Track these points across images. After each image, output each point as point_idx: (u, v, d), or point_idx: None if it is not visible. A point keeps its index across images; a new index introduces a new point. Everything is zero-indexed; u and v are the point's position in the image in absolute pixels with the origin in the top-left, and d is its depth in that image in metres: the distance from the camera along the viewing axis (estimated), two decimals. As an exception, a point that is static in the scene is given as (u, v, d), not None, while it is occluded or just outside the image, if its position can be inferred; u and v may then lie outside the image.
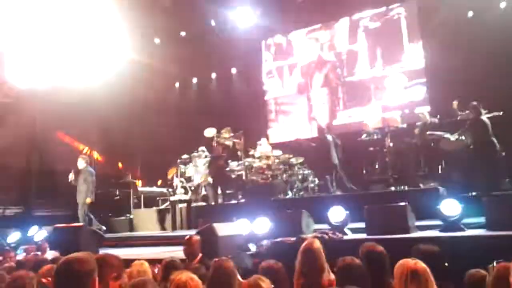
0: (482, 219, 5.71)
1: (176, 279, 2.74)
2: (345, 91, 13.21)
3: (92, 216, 9.61)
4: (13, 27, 11.13)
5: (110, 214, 11.62)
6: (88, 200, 9.44)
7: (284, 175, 10.37)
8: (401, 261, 2.87)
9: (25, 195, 11.27)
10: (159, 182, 13.01)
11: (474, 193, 7.34)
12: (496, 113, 8.40)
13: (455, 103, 8.85)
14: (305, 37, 14.09)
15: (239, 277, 3.70)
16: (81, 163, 9.67)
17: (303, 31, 14.10)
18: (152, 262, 4.71)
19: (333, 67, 13.48)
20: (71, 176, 9.59)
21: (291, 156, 10.65)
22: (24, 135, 11.62)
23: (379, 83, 12.54)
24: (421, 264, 2.81)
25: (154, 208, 11.41)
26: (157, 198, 12.01)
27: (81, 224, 8.50)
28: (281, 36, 14.37)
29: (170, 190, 11.88)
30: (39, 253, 6.84)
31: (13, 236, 8.86)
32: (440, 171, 8.97)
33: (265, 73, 14.64)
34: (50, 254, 6.61)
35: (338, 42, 13.47)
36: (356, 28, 13.20)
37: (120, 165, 13.62)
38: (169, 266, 3.97)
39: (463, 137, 8.42)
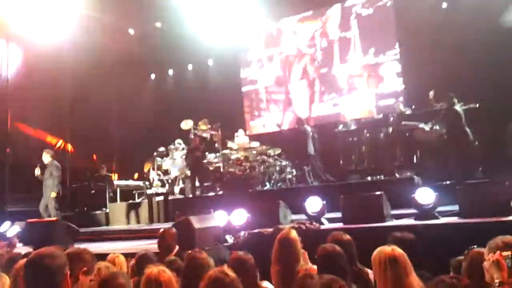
0: (455, 207, 5.80)
1: (147, 272, 2.71)
2: (324, 81, 13.22)
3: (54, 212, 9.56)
4: None
5: (85, 208, 11.44)
6: (53, 194, 9.49)
7: (262, 167, 10.37)
8: (378, 249, 2.90)
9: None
10: (136, 175, 12.86)
11: (448, 182, 7.46)
12: (472, 105, 8.55)
13: (431, 94, 8.98)
14: (296, 25, 13.78)
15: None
16: (46, 158, 9.67)
17: (295, 18, 13.80)
18: (128, 255, 4.64)
19: (312, 58, 13.47)
20: (37, 171, 9.61)
21: (268, 147, 10.65)
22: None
23: (373, 71, 12.52)
24: (399, 250, 2.84)
25: (130, 201, 11.29)
26: (134, 192, 11.88)
27: (55, 218, 8.33)
28: (272, 23, 13.98)
29: (147, 183, 11.77)
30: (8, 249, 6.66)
31: (-15, 232, 8.62)
32: (415, 161, 9.10)
33: (256, 61, 14.36)
34: (23, 250, 6.47)
35: (330, 29, 13.28)
36: (348, 15, 13.11)
37: (94, 158, 13.36)
38: (142, 260, 3.92)
39: (437, 127, 8.56)
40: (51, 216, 9.34)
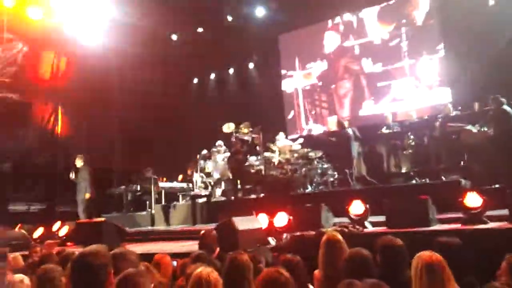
0: (505, 212, 5.60)
1: (196, 272, 2.77)
2: (371, 81, 13.07)
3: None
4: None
5: (131, 209, 11.79)
6: (87, 195, 10.29)
7: (303, 170, 10.34)
8: (418, 254, 2.87)
9: (49, 192, 11.50)
10: (180, 178, 13.12)
11: (496, 186, 7.20)
12: None
13: (476, 106, 8.73)
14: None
15: (262, 265, 3.73)
16: (79, 162, 10.45)
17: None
18: (173, 256, 4.76)
19: (357, 58, 13.34)
20: (72, 175, 10.36)
21: (309, 150, 10.61)
22: (47, 132, 11.86)
23: (419, 72, 12.28)
24: (437, 256, 2.79)
25: (175, 203, 11.52)
26: (178, 193, 12.11)
27: (103, 219, 8.63)
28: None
29: (190, 185, 11.98)
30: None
31: (38, 232, 9.05)
32: (462, 164, 8.83)
33: (298, 64, 14.21)
34: (75, 250, 6.75)
35: (375, 29, 13.11)
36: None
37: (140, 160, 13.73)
38: (196, 260, 4.00)
39: (485, 128, 8.28)
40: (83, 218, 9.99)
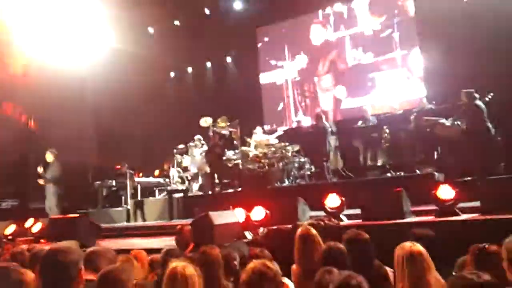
0: (477, 203, 5.72)
1: (171, 267, 2.74)
2: (349, 75, 13.14)
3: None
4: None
5: (107, 205, 11.63)
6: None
7: (281, 163, 10.37)
8: (399, 245, 2.93)
9: (21, 188, 11.25)
10: (156, 173, 13.00)
11: (469, 178, 7.35)
12: (488, 97, 8.39)
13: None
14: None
15: (236, 263, 3.72)
16: (49, 157, 10.05)
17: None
18: (150, 252, 4.72)
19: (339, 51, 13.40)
20: (40, 169, 9.95)
21: (286, 144, 10.64)
22: (19, 127, 11.58)
23: (394, 66, 12.42)
24: (418, 247, 2.86)
25: (151, 198, 11.42)
26: (154, 188, 12.02)
27: (77, 215, 8.49)
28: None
29: (167, 180, 11.90)
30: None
31: (10, 229, 8.84)
32: (435, 157, 8.98)
33: (277, 57, 13.98)
34: (47, 246, 6.61)
35: (357, 20, 13.15)
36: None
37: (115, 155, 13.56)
38: (168, 255, 3.98)
39: (458, 122, 8.43)
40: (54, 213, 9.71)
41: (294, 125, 13.90)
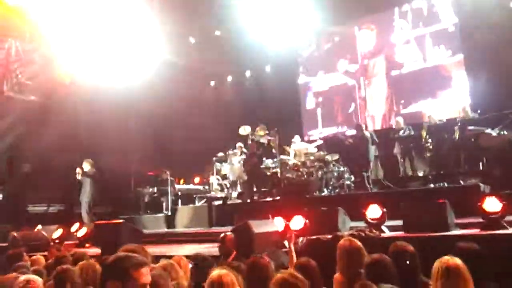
0: (525, 217, 5.51)
1: (213, 275, 2.80)
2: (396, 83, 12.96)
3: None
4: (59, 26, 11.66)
5: (148, 211, 11.89)
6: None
7: (319, 172, 10.31)
8: (438, 259, 2.87)
9: (68, 193, 11.67)
10: (197, 180, 13.19)
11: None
12: None
13: None
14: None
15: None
16: (86, 166, 10.68)
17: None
18: (189, 258, 4.78)
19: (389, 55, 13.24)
20: (78, 176, 10.60)
21: (326, 153, 10.57)
22: (67, 134, 12.03)
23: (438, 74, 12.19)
24: (455, 261, 2.81)
25: (191, 205, 11.59)
26: (194, 196, 12.19)
27: (121, 220, 8.72)
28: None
29: (207, 187, 12.05)
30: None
31: (57, 233, 9.17)
32: (481, 168, 8.71)
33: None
34: (92, 250, 6.84)
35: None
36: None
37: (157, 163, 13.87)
38: (200, 263, 4.04)
39: (505, 132, 8.15)
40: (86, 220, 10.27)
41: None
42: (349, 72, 14.08)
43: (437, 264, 2.85)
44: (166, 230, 10.63)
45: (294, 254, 4.57)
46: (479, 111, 9.47)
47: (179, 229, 10.50)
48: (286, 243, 6.23)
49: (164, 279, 2.66)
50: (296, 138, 11.51)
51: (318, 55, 14.71)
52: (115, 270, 2.12)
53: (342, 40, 14.20)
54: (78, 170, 10.61)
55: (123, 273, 2.09)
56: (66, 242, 8.80)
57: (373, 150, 10.13)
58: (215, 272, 2.85)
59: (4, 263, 5.06)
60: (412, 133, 10.05)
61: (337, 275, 3.57)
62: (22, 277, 3.71)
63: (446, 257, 2.87)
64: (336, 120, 14.08)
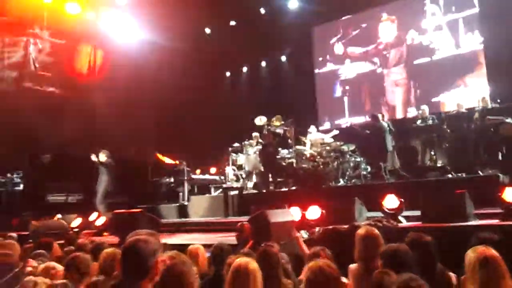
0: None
1: (236, 262, 2.83)
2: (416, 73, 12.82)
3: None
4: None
5: (165, 201, 11.99)
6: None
7: (335, 163, 10.26)
8: (471, 248, 2.85)
9: (86, 183, 11.82)
10: (213, 170, 13.25)
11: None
12: None
13: None
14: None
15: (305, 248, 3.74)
16: (102, 157, 10.77)
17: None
18: (206, 247, 4.82)
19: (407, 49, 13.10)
20: (94, 157, 10.72)
21: (342, 143, 10.51)
22: (86, 125, 12.18)
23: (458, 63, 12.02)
24: (492, 252, 2.75)
25: (207, 195, 11.65)
26: (210, 186, 12.25)
27: (139, 210, 8.82)
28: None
29: (222, 177, 12.09)
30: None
31: (76, 221, 9.33)
32: (500, 158, 8.56)
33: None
34: (110, 239, 6.94)
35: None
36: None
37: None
38: (219, 251, 4.07)
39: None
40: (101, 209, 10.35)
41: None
42: (372, 61, 13.94)
43: (473, 254, 2.78)
44: (183, 219, 10.72)
45: (303, 245, 4.55)
46: (499, 100, 9.29)
47: (196, 218, 10.59)
48: (302, 232, 6.25)
49: (187, 266, 2.69)
50: (312, 128, 11.46)
51: (346, 42, 14.54)
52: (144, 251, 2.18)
53: (369, 27, 14.02)
54: (93, 157, 10.73)
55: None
56: (84, 231, 8.93)
57: (390, 140, 10.02)
58: (241, 259, 2.88)
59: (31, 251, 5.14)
60: (431, 122, 9.90)
61: (352, 266, 3.56)
62: (42, 265, 3.80)
63: (480, 247, 2.81)
64: (364, 108, 13.93)
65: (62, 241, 6.30)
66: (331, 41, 14.71)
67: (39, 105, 11.89)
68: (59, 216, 9.67)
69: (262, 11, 14.45)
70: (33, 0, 11.83)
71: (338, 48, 14.63)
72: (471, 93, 11.35)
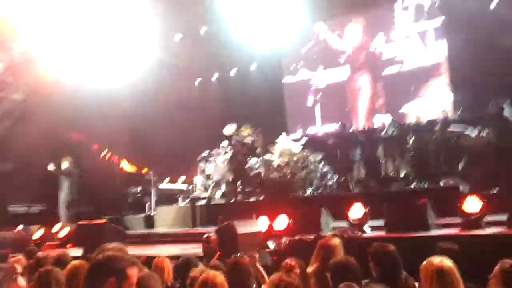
0: (504, 217, 5.62)
1: (203, 275, 2.83)
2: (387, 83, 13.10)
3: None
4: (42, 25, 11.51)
5: (131, 211, 11.80)
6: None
7: (303, 172, 10.35)
8: (427, 260, 2.91)
9: (49, 193, 11.50)
10: (182, 179, 13.12)
11: (495, 191, 7.22)
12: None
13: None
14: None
15: (264, 273, 3.76)
16: (64, 164, 10.66)
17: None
18: (173, 259, 4.78)
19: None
20: (51, 167, 10.60)
21: (309, 153, 10.63)
22: (49, 134, 11.86)
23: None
24: (447, 263, 2.82)
25: (174, 205, 11.54)
26: (177, 196, 12.12)
27: (104, 220, 8.65)
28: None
29: (191, 187, 11.99)
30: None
31: (38, 233, 9.06)
32: (460, 168, 8.86)
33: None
34: (74, 250, 6.78)
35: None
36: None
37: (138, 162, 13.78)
38: (186, 263, 4.05)
39: (484, 133, 8.31)
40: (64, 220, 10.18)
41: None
42: (343, 69, 14.18)
43: (428, 266, 2.84)
44: (149, 230, 10.57)
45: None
46: (460, 110, 9.62)
47: (163, 229, 10.45)
48: (269, 243, 6.29)
49: (155, 279, 2.68)
50: (281, 137, 11.52)
51: (318, 50, 14.71)
52: (111, 267, 2.13)
53: (339, 35, 14.24)
54: (50, 166, 10.47)
55: (119, 271, 2.10)
56: (47, 243, 8.69)
57: (357, 150, 10.22)
58: (208, 272, 2.88)
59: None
60: (395, 133, 10.16)
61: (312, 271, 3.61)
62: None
63: (436, 258, 2.87)
64: (335, 117, 13.97)
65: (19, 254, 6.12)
66: (302, 49, 14.87)
67: (1, 112, 11.54)
68: (20, 227, 9.36)
69: (233, 18, 14.50)
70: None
71: (310, 54, 14.79)
72: (433, 104, 11.69)
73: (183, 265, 4.09)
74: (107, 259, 2.18)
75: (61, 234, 9.08)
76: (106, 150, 12.24)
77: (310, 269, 3.64)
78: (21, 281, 4.07)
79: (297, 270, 3.34)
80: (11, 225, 9.52)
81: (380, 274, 3.29)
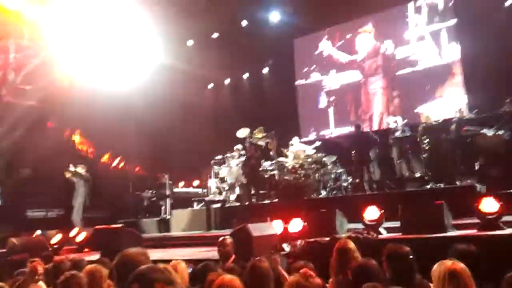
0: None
1: (219, 279, 2.83)
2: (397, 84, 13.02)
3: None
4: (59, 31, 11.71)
5: (147, 215, 11.89)
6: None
7: (317, 174, 10.33)
8: (438, 262, 2.87)
9: (67, 198, 11.66)
10: (196, 183, 13.20)
11: (513, 190, 7.10)
12: None
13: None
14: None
15: (285, 273, 3.76)
16: (79, 169, 10.90)
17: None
18: (188, 262, 4.80)
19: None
20: (68, 174, 10.90)
21: (323, 155, 10.60)
22: (65, 140, 12.04)
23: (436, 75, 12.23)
24: (459, 265, 2.78)
25: (189, 208, 11.60)
26: (192, 199, 12.19)
27: (120, 225, 8.73)
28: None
29: (205, 190, 12.06)
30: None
31: (56, 238, 9.18)
32: (477, 168, 8.74)
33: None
34: (92, 255, 6.85)
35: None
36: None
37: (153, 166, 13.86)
38: (204, 268, 4.04)
39: (501, 132, 8.20)
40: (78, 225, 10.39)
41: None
42: (356, 71, 14.09)
43: (439, 267, 2.81)
44: (164, 234, 10.63)
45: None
46: (475, 111, 9.51)
47: (178, 232, 10.51)
48: (285, 245, 6.28)
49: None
50: (295, 140, 11.51)
51: (331, 53, 14.66)
52: (143, 277, 2.09)
53: (352, 38, 14.16)
54: (67, 174, 10.73)
55: (149, 283, 2.06)
56: (65, 247, 8.80)
57: (372, 151, 10.15)
58: (225, 276, 2.88)
59: (7, 268, 5.05)
60: (408, 134, 10.07)
61: (331, 275, 3.60)
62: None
63: (449, 261, 2.83)
64: (349, 119, 13.97)
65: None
66: (315, 51, 14.84)
67: (19, 118, 11.73)
68: (38, 232, 9.49)
69: (244, 23, 14.56)
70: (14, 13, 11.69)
71: (325, 57, 14.75)
72: (449, 104, 11.58)
73: (201, 269, 4.10)
74: (146, 270, 2.15)
75: (79, 239, 9.17)
76: (119, 158, 12.36)
77: (331, 279, 3.61)
78: (42, 285, 4.12)
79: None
80: (29, 230, 9.68)
81: (394, 275, 3.27)
